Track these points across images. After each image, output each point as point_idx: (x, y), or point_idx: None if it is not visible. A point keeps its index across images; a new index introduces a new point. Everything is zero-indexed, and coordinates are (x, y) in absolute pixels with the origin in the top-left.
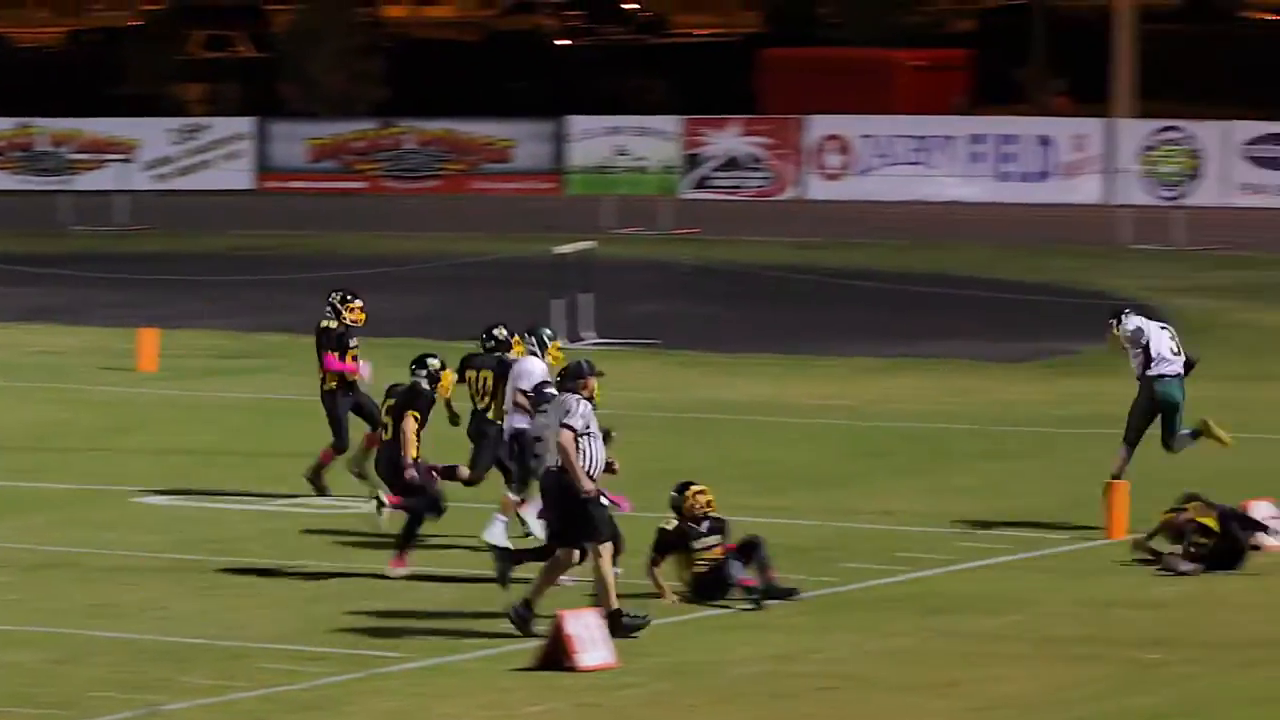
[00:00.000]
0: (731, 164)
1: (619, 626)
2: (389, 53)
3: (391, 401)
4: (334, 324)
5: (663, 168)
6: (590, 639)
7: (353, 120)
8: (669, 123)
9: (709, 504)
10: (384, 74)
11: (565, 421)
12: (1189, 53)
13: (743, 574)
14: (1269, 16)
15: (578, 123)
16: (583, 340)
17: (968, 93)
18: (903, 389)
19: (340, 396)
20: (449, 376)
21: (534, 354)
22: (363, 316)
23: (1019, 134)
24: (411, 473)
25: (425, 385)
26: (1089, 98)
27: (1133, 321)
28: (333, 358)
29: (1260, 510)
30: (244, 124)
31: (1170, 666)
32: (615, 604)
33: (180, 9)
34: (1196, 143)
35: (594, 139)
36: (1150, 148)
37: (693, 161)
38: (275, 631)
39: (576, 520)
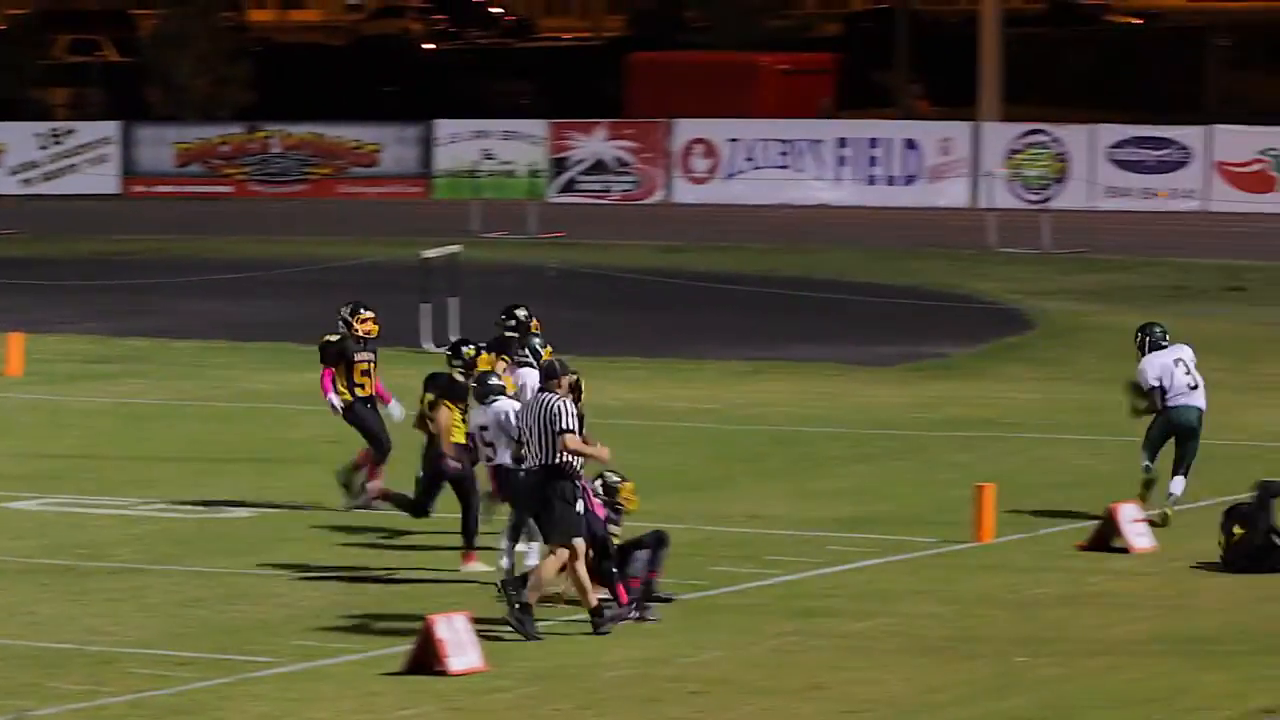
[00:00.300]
0: (598, 168)
1: (603, 621)
2: (255, 57)
3: (430, 396)
4: (334, 337)
5: (529, 171)
6: (460, 643)
7: (219, 125)
8: (535, 126)
9: (628, 499)
10: (250, 78)
11: (564, 426)
12: (1053, 56)
13: (642, 571)
14: (1132, 20)
15: (444, 127)
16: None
17: (833, 96)
18: (771, 392)
19: (358, 407)
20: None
21: (529, 364)
22: (375, 328)
23: (886, 138)
24: (452, 464)
25: (460, 376)
26: (955, 101)
27: (1149, 369)
28: (327, 375)
29: (1125, 513)
30: (110, 128)
31: (1038, 668)
32: (594, 601)
33: (44, 13)
34: (1062, 146)
35: (461, 143)
36: (1016, 151)
37: (559, 165)
38: (145, 636)
39: (556, 520)
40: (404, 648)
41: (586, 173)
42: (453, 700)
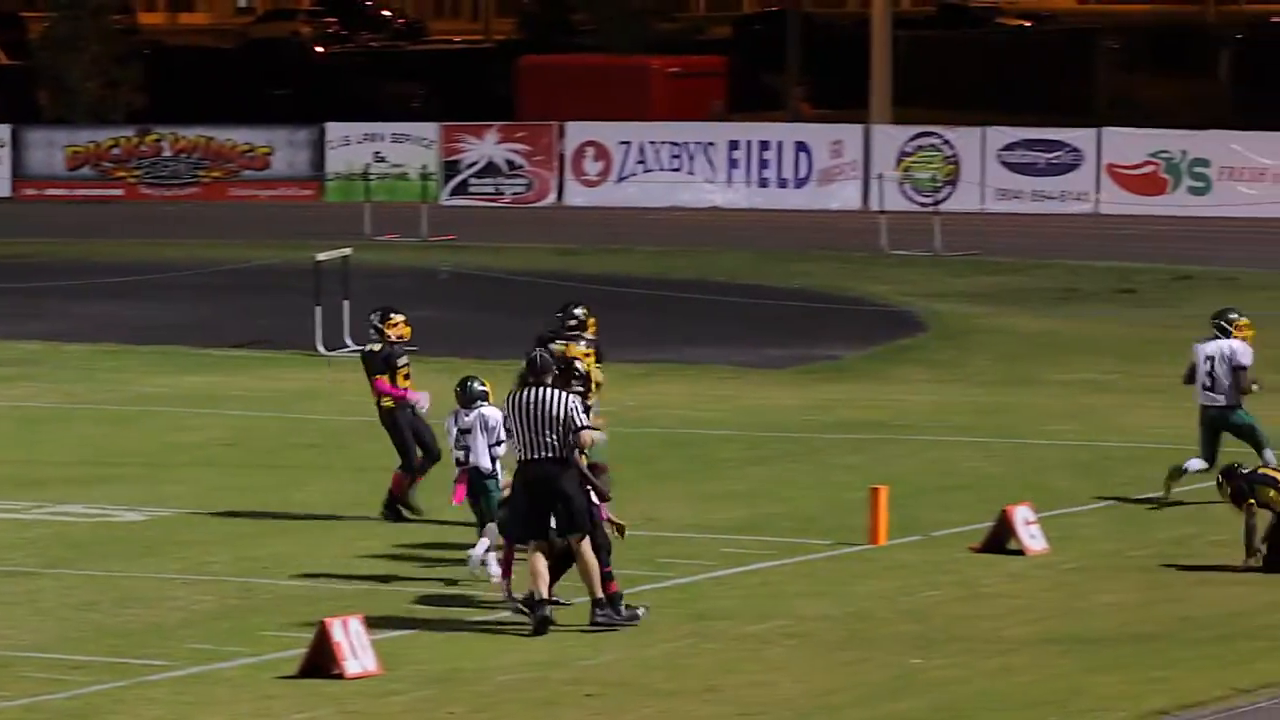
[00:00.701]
0: (490, 170)
1: (617, 612)
2: (146, 60)
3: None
4: (378, 346)
5: (421, 174)
6: (355, 646)
7: (110, 128)
8: (427, 129)
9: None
10: (141, 81)
11: (582, 423)
12: (944, 59)
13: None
14: (1023, 23)
15: (336, 129)
16: (346, 347)
17: (724, 99)
18: (664, 395)
19: (399, 414)
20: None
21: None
22: (408, 330)
23: (777, 140)
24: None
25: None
26: (846, 104)
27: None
28: (383, 381)
29: (1019, 515)
30: (0, 131)
31: (933, 670)
32: (600, 592)
33: None
34: (952, 149)
35: (352, 146)
36: (907, 154)
37: (451, 168)
38: (39, 640)
39: (575, 510)
40: (299, 651)
41: (478, 176)
42: (348, 704)
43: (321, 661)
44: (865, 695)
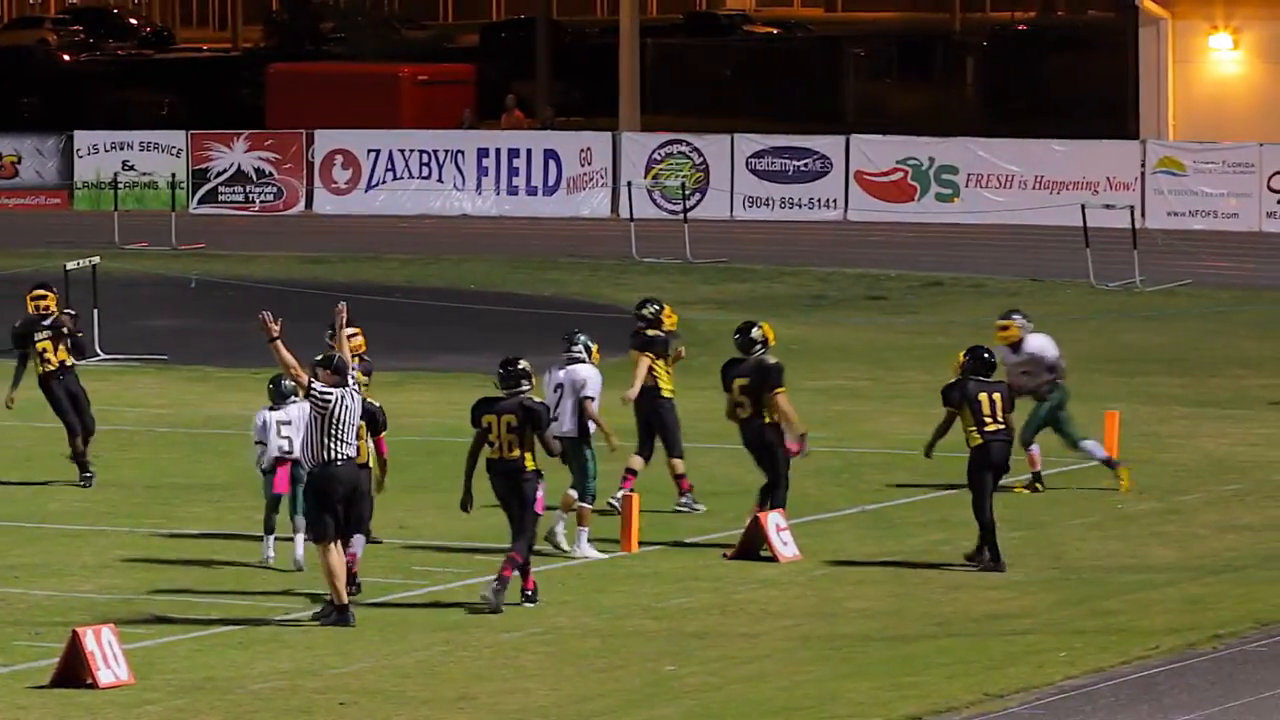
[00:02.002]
0: (239, 179)
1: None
2: None
3: (744, 380)
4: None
5: (170, 183)
6: (107, 655)
7: None
8: (175, 137)
9: None
10: None
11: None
12: (692, 67)
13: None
14: (771, 31)
15: (84, 138)
16: (96, 356)
17: (474, 107)
18: (416, 403)
19: (53, 382)
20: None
21: (581, 360)
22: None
23: (527, 148)
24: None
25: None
26: (595, 112)
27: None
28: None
29: (771, 522)
30: None
31: (687, 677)
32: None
33: None
34: (701, 156)
35: (101, 154)
36: (656, 161)
37: (200, 176)
38: None
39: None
40: (52, 661)
41: (227, 184)
42: (101, 714)
43: (74, 671)
44: (620, 703)
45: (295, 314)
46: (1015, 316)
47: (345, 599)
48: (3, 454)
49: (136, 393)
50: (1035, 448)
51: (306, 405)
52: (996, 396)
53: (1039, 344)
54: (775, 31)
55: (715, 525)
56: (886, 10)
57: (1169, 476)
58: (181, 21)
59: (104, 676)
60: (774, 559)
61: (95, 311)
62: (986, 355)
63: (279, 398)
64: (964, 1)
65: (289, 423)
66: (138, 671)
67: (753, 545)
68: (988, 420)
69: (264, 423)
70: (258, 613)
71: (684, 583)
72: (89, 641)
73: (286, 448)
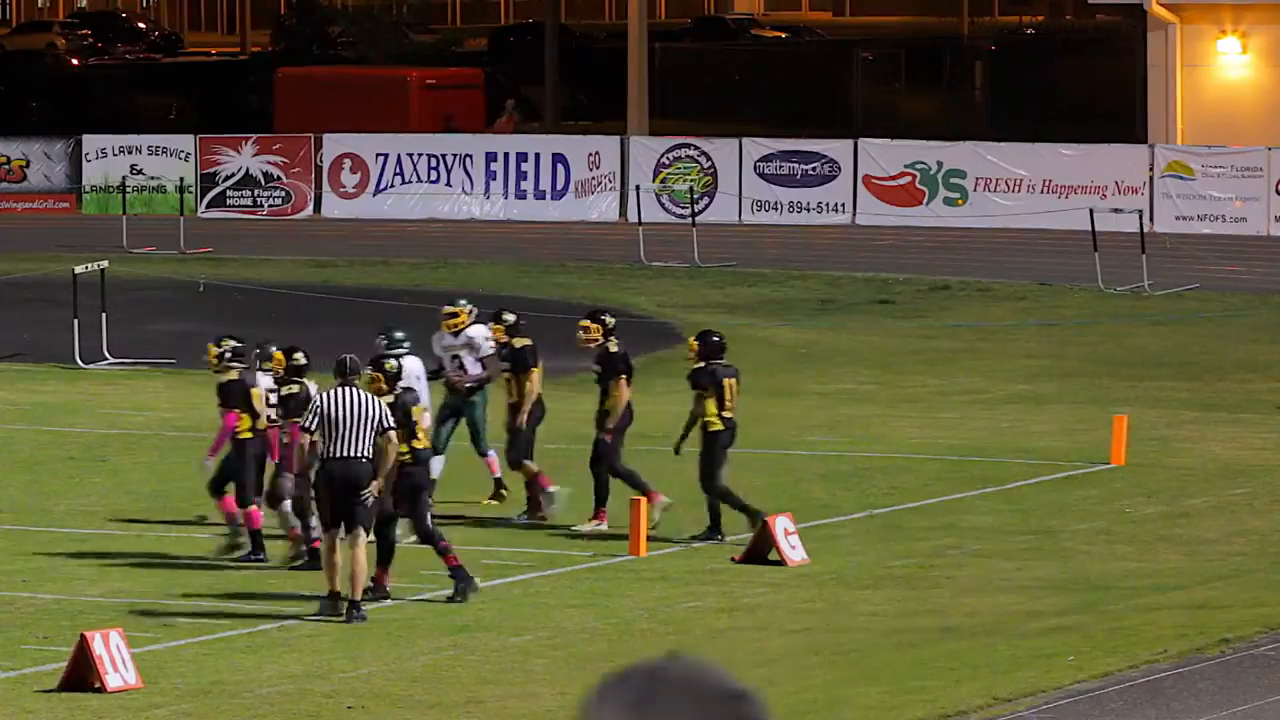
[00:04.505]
0: (247, 183)
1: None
2: None
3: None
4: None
5: (178, 187)
6: (116, 659)
7: None
8: (184, 141)
9: None
10: None
11: (389, 424)
12: (701, 71)
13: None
14: (780, 35)
15: (92, 142)
16: (105, 360)
17: (482, 111)
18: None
19: None
20: None
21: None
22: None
23: (535, 152)
24: None
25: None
26: (603, 116)
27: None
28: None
29: (779, 526)
30: None
31: None
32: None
33: None
34: (709, 160)
35: (109, 158)
36: (664, 165)
37: (208, 180)
38: None
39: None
40: (60, 665)
41: (235, 188)
42: (109, 717)
43: (82, 675)
44: None
45: (300, 318)
46: (463, 302)
47: (335, 587)
48: (9, 458)
49: (144, 397)
50: (493, 453)
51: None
52: (733, 382)
53: (478, 332)
54: (783, 35)
55: (724, 530)
56: (895, 14)
57: (1177, 481)
58: (190, 25)
59: (112, 680)
60: (782, 563)
61: (103, 316)
62: (717, 339)
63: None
64: (972, 5)
65: (275, 390)
66: (146, 675)
67: (760, 549)
68: (729, 404)
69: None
70: (266, 617)
71: (692, 587)
72: (97, 645)
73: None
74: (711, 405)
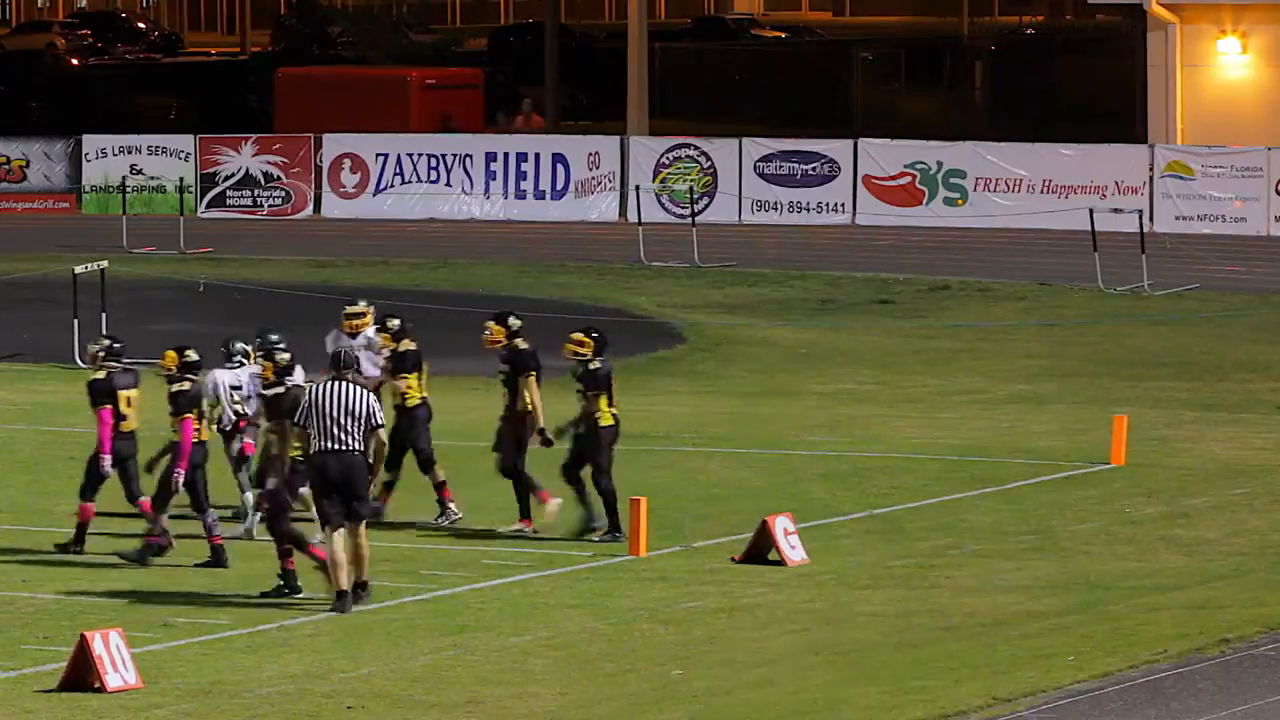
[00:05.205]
0: (247, 183)
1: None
2: None
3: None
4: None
5: (178, 186)
6: (115, 659)
7: None
8: (183, 141)
9: None
10: None
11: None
12: (701, 71)
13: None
14: (779, 35)
15: (92, 141)
16: None
17: (482, 110)
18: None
19: None
20: None
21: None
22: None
23: (535, 152)
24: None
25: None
26: (603, 116)
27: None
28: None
29: (779, 525)
30: None
31: (694, 682)
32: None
33: None
34: (709, 160)
35: (109, 158)
36: (664, 165)
37: (208, 180)
38: None
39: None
40: (60, 665)
41: (235, 188)
42: (109, 718)
43: (82, 675)
44: (626, 707)
45: (303, 318)
46: (363, 303)
47: (343, 585)
48: (9, 458)
49: (144, 397)
50: None
51: (255, 370)
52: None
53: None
54: (783, 35)
55: (723, 529)
56: (894, 14)
57: (1177, 481)
58: (190, 25)
59: (112, 680)
60: (782, 563)
61: (103, 316)
62: (601, 335)
63: (228, 358)
64: (972, 5)
65: (239, 387)
66: (146, 675)
67: (760, 549)
68: (615, 400)
69: (215, 384)
70: (266, 617)
71: (691, 587)
72: (97, 645)
73: (243, 410)
74: (603, 401)
